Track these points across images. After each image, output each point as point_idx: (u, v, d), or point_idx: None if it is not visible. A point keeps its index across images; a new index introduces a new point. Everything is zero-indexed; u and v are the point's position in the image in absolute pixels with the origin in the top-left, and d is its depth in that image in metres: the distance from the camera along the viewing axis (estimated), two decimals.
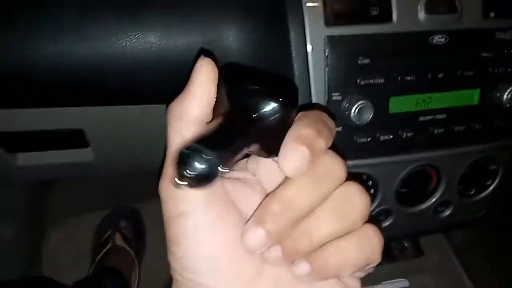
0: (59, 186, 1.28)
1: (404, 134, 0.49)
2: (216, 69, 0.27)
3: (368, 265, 0.29)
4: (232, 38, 0.43)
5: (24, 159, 0.59)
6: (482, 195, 0.60)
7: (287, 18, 0.43)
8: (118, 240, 1.12)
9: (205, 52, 0.30)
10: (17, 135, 0.55)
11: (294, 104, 0.29)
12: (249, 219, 0.28)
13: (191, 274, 0.28)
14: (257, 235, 0.26)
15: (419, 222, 0.59)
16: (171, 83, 0.45)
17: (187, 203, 0.27)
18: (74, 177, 1.03)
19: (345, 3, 0.44)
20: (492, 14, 0.48)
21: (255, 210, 0.28)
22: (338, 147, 0.30)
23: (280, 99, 0.27)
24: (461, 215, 0.60)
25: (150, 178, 1.25)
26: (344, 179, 0.28)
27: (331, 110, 0.45)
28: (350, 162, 0.49)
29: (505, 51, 0.49)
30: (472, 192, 0.60)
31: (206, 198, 0.27)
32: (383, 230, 0.29)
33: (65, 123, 0.53)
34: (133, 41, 0.42)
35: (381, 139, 0.48)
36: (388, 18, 0.45)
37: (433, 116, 0.50)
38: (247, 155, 0.31)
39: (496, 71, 0.50)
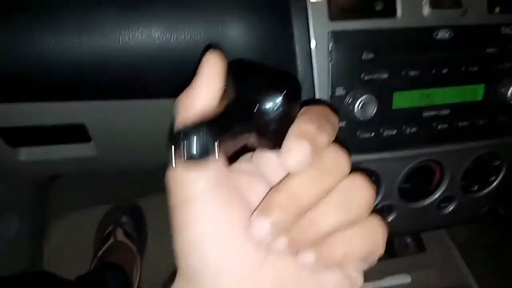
0: (61, 181, 1.28)
1: (408, 130, 0.49)
2: (224, 63, 0.28)
3: (372, 255, 0.29)
4: (235, 33, 0.43)
5: (27, 154, 0.59)
6: (486, 191, 0.60)
7: (291, 13, 0.43)
8: (120, 236, 1.13)
9: (214, 46, 0.31)
10: (19, 130, 0.55)
11: (296, 99, 0.29)
12: (255, 210, 0.28)
13: (196, 263, 0.28)
14: (263, 226, 0.26)
15: (422, 218, 0.59)
16: (174, 78, 0.45)
17: (194, 188, 0.27)
18: (77, 172, 1.03)
19: None
20: (497, 9, 0.47)
21: (261, 202, 0.28)
22: (342, 142, 0.30)
23: (283, 93, 0.28)
24: (464, 211, 0.60)
25: (152, 174, 1.26)
26: (348, 172, 0.29)
27: (334, 105, 0.45)
28: (353, 158, 0.48)
29: (510, 47, 0.49)
30: (475, 188, 0.59)
31: (213, 184, 0.28)
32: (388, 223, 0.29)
33: (67, 118, 0.53)
34: (136, 35, 0.42)
35: (384, 134, 0.48)
36: (393, 13, 0.45)
37: (437, 112, 0.49)
38: (252, 149, 0.32)
39: (500, 66, 0.50)
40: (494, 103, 0.51)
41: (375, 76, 0.45)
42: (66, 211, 1.24)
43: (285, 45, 0.44)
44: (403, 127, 0.49)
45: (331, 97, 0.45)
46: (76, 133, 0.56)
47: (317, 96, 0.45)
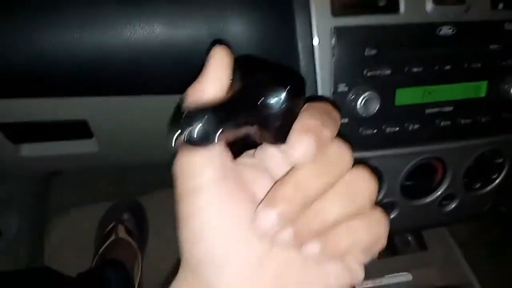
0: (62, 178, 1.29)
1: (410, 127, 0.49)
2: (230, 57, 0.29)
3: (374, 247, 0.30)
4: (237, 29, 0.43)
5: (29, 150, 0.59)
6: (488, 188, 0.60)
7: (293, 9, 0.43)
8: (121, 233, 1.13)
9: (220, 41, 0.31)
10: (21, 126, 0.55)
11: (300, 94, 0.30)
12: (261, 202, 0.28)
13: (201, 253, 0.28)
14: (269, 217, 0.27)
15: (424, 215, 0.58)
16: (176, 74, 0.45)
17: (201, 178, 0.28)
18: (78, 168, 1.03)
19: None
20: (500, 6, 0.47)
21: (266, 194, 0.29)
22: (344, 138, 0.31)
23: (288, 89, 0.28)
24: (466, 208, 0.60)
25: (153, 171, 1.26)
26: (352, 165, 0.30)
27: (336, 102, 0.45)
28: (355, 154, 0.48)
29: None
30: (477, 186, 0.59)
31: (220, 175, 0.28)
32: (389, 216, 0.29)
33: (69, 114, 0.53)
34: (138, 31, 0.42)
35: (387, 131, 0.48)
36: (396, 9, 0.45)
37: (439, 109, 0.49)
38: (254, 146, 0.32)
39: (504, 63, 0.49)
40: (497, 100, 0.51)
41: (378, 72, 0.45)
42: (67, 208, 1.24)
43: (287, 41, 0.44)
44: (406, 124, 0.49)
45: (333, 93, 0.45)
46: (78, 129, 0.56)
47: (319, 92, 0.45)
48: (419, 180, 0.55)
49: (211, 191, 0.28)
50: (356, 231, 0.29)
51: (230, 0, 0.43)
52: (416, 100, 0.48)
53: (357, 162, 0.31)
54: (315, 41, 0.43)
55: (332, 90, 0.45)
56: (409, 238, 1.05)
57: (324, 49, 0.44)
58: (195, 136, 0.25)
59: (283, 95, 0.28)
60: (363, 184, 0.29)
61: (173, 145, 0.26)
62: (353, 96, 0.45)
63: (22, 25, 0.41)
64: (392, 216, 0.57)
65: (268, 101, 0.28)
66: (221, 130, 0.26)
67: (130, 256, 1.10)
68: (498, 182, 0.60)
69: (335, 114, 0.31)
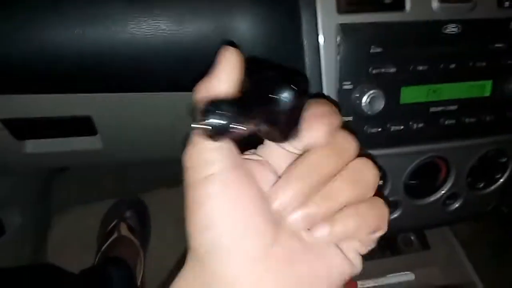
0: (65, 175, 1.29)
1: (415, 125, 0.49)
2: (240, 57, 0.30)
3: (377, 231, 0.32)
4: (243, 26, 0.43)
5: (33, 146, 0.59)
6: (492, 188, 0.60)
7: (299, 6, 0.43)
8: (124, 230, 1.13)
9: (229, 42, 0.32)
10: (26, 122, 0.55)
11: (306, 92, 0.32)
12: (275, 183, 0.30)
13: (209, 242, 0.29)
14: (286, 194, 0.29)
15: (427, 215, 0.58)
16: (181, 71, 0.45)
17: (213, 167, 0.29)
18: (82, 165, 1.04)
19: None
20: (506, 4, 0.47)
21: (282, 174, 0.31)
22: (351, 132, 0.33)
23: (295, 87, 0.30)
24: (469, 208, 0.59)
25: (155, 169, 1.26)
26: (357, 153, 0.32)
27: (336, 101, 0.45)
28: None
29: None
30: (481, 185, 0.59)
31: (232, 165, 0.29)
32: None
33: (74, 110, 0.53)
34: (143, 27, 0.42)
35: (391, 129, 0.48)
36: (401, 7, 0.45)
37: (444, 107, 0.49)
38: (254, 144, 0.34)
39: (509, 62, 0.49)
40: (502, 99, 0.51)
41: (383, 70, 0.45)
42: (70, 205, 1.24)
43: (293, 38, 0.44)
44: (410, 122, 0.49)
45: (338, 91, 0.45)
46: (82, 126, 0.56)
47: (325, 89, 0.45)
48: (423, 179, 0.55)
49: (223, 179, 0.29)
50: (363, 213, 0.31)
51: None
52: (420, 99, 0.48)
53: (360, 154, 0.32)
54: (321, 39, 0.43)
55: (337, 88, 0.45)
56: (412, 237, 1.05)
57: (330, 47, 0.44)
58: (216, 128, 0.26)
59: (292, 92, 0.29)
60: (367, 172, 0.31)
61: (195, 136, 0.28)
62: (358, 94, 0.45)
63: (28, 21, 0.41)
64: (395, 215, 0.56)
65: (278, 98, 0.29)
66: (235, 121, 0.27)
67: (133, 253, 1.10)
68: (502, 182, 0.59)
69: (337, 110, 0.33)
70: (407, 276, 0.99)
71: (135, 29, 0.42)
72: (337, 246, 0.32)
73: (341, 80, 0.45)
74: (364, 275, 0.97)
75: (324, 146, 0.30)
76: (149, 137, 0.61)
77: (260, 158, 0.33)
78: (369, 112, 0.45)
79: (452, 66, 0.47)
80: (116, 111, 0.55)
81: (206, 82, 0.29)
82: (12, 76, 0.44)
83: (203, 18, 0.42)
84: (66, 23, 0.41)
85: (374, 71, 0.45)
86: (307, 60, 0.44)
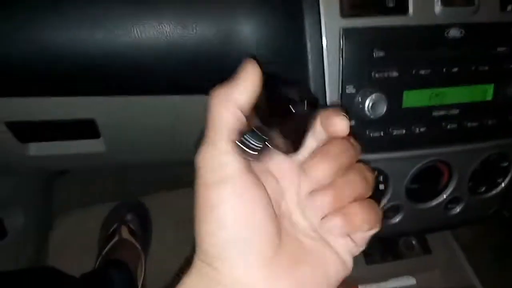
0: (67, 178, 1.29)
1: (417, 129, 0.49)
2: (260, 71, 0.31)
3: (373, 229, 0.34)
4: (247, 29, 0.43)
5: (36, 149, 0.59)
6: (493, 192, 0.60)
7: (302, 9, 0.43)
8: (125, 234, 1.13)
9: (251, 56, 0.34)
10: (29, 125, 0.55)
11: (316, 106, 0.34)
12: (309, 157, 0.33)
13: (221, 243, 0.30)
14: (321, 167, 0.31)
15: (429, 219, 0.58)
16: (185, 73, 0.45)
17: (227, 169, 0.30)
18: (85, 168, 1.04)
19: None
20: (509, 8, 0.47)
21: (315, 151, 0.33)
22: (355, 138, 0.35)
23: (309, 100, 0.32)
24: (471, 212, 0.59)
25: (156, 171, 1.25)
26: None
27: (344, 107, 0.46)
28: (362, 157, 0.49)
29: None
30: (483, 189, 0.59)
31: (245, 168, 0.31)
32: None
33: (77, 113, 0.53)
34: (147, 30, 0.42)
35: (394, 133, 0.48)
36: (404, 11, 0.45)
37: (446, 111, 0.49)
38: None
39: (511, 66, 0.49)
40: (504, 104, 0.51)
41: (386, 74, 0.45)
42: (71, 208, 1.24)
43: (296, 42, 0.44)
44: (413, 126, 0.49)
45: (341, 95, 0.45)
46: (85, 129, 0.56)
47: (328, 93, 0.45)
48: (425, 183, 0.55)
49: (236, 182, 0.30)
50: (368, 209, 0.33)
51: (240, 0, 0.43)
52: (423, 103, 0.48)
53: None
54: (324, 42, 0.44)
55: (340, 92, 0.45)
56: (413, 241, 1.05)
57: (333, 50, 0.44)
58: (256, 151, 0.30)
59: (305, 106, 0.32)
60: (367, 174, 0.34)
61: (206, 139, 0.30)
62: (361, 98, 0.45)
63: (28, 21, 0.41)
64: (397, 219, 0.57)
65: (294, 112, 0.31)
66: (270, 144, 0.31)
67: (134, 257, 1.10)
68: (504, 186, 0.59)
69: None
70: (408, 281, 0.99)
71: (139, 32, 0.42)
72: (333, 247, 0.34)
73: (344, 83, 0.45)
74: (365, 279, 0.97)
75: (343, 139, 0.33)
76: (151, 140, 0.61)
77: (263, 166, 0.34)
78: (371, 116, 0.45)
79: (455, 70, 0.47)
80: (119, 114, 0.55)
81: (227, 90, 0.31)
82: (12, 76, 0.44)
83: (207, 21, 0.42)
84: (76, 27, 0.41)
85: (377, 75, 0.45)
86: (310, 63, 0.44)
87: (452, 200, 0.58)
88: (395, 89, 0.46)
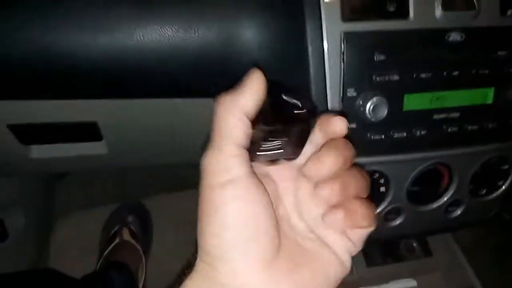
0: (68, 180, 1.29)
1: (418, 132, 0.49)
2: (264, 79, 0.32)
3: (367, 227, 0.35)
4: (249, 32, 0.43)
5: (38, 151, 0.60)
6: (494, 195, 0.60)
7: (304, 13, 0.43)
8: (126, 236, 1.13)
9: (256, 66, 0.35)
10: (31, 127, 0.55)
11: (316, 114, 0.36)
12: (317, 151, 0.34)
13: (224, 245, 0.31)
14: (333, 154, 0.33)
15: (429, 221, 0.59)
16: (187, 77, 0.46)
17: (231, 172, 0.31)
18: (87, 170, 1.04)
19: None
20: (509, 12, 0.47)
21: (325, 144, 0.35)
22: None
23: (308, 109, 0.35)
24: (472, 215, 0.60)
25: (158, 173, 1.25)
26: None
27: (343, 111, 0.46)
28: (363, 159, 0.49)
29: None
30: (483, 192, 0.59)
31: (250, 171, 0.32)
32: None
33: (80, 116, 0.53)
34: (150, 33, 0.42)
35: (394, 136, 0.48)
36: (405, 15, 0.45)
37: (447, 115, 0.50)
38: None
39: (511, 70, 0.49)
40: (504, 107, 0.51)
41: (387, 77, 0.46)
42: (72, 210, 1.24)
43: (298, 46, 0.44)
44: (413, 129, 0.49)
45: (342, 98, 0.46)
46: (87, 131, 0.57)
47: (329, 97, 0.45)
48: (426, 186, 0.55)
49: (240, 184, 0.31)
50: (366, 206, 0.34)
51: (241, 4, 0.43)
52: (424, 106, 0.48)
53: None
54: (325, 46, 0.44)
55: (341, 95, 0.45)
56: (414, 244, 1.05)
57: (334, 54, 0.44)
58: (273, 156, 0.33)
59: (307, 112, 0.34)
60: (364, 174, 0.35)
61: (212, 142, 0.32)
62: (362, 101, 0.46)
63: (32, 26, 0.41)
64: (398, 222, 0.57)
65: (295, 117, 0.33)
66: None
67: (135, 258, 1.10)
68: (504, 189, 0.60)
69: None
70: (409, 283, 0.99)
71: (141, 35, 0.42)
72: (331, 247, 0.35)
73: (345, 87, 0.45)
74: (366, 281, 0.97)
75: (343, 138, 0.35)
76: (153, 143, 0.61)
77: (261, 169, 0.36)
78: (372, 119, 0.46)
79: (455, 73, 0.48)
80: (122, 117, 0.55)
81: (233, 96, 0.32)
82: (14, 78, 0.44)
83: (209, 24, 0.43)
84: (79, 30, 0.41)
85: (377, 79, 0.45)
86: (312, 67, 0.44)
87: (453, 203, 0.58)
88: (396, 92, 0.47)
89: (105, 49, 0.42)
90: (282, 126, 0.33)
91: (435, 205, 0.57)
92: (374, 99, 0.45)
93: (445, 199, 0.57)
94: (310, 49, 0.44)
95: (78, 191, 1.29)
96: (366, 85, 0.46)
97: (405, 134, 0.49)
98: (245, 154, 0.32)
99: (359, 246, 0.36)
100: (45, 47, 0.42)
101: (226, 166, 0.31)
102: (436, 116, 0.49)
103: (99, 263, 1.08)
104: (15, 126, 0.55)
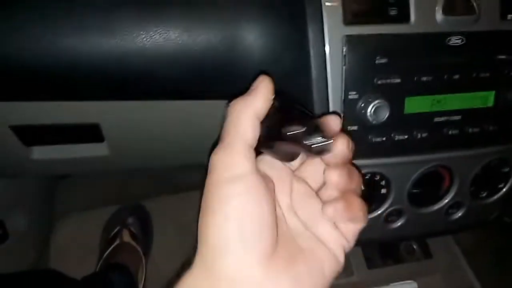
0: (69, 181, 1.29)
1: (419, 135, 0.49)
2: (272, 84, 0.35)
3: (359, 223, 0.37)
4: (251, 36, 0.43)
5: (40, 152, 0.60)
6: (495, 197, 0.60)
7: (306, 17, 0.44)
8: (126, 237, 1.13)
9: (264, 72, 0.36)
10: (34, 128, 0.55)
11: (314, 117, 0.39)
12: (334, 137, 0.35)
13: (222, 242, 0.31)
14: (343, 141, 0.34)
15: (430, 223, 0.59)
16: (189, 79, 0.46)
17: (239, 168, 0.33)
18: (88, 172, 1.04)
19: (364, 3, 0.44)
20: (509, 16, 0.48)
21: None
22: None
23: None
24: (472, 217, 0.60)
25: (158, 175, 1.25)
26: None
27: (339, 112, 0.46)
28: (364, 161, 0.49)
29: None
30: (484, 194, 0.59)
31: (254, 167, 0.33)
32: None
33: (82, 118, 0.53)
34: (153, 37, 0.42)
35: (396, 139, 0.49)
36: (406, 19, 0.45)
37: (447, 117, 0.50)
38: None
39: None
40: (505, 110, 0.51)
41: (388, 80, 0.46)
42: (72, 211, 1.24)
43: (300, 49, 0.44)
44: (414, 132, 0.49)
45: (344, 101, 0.46)
46: (89, 133, 0.57)
47: (331, 99, 0.46)
48: (426, 188, 0.56)
49: (247, 180, 0.32)
50: (361, 200, 0.36)
51: (244, 8, 0.43)
52: (425, 109, 0.48)
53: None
54: (327, 49, 0.44)
55: (343, 98, 0.46)
56: (414, 246, 1.06)
57: (336, 57, 0.44)
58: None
59: (307, 116, 0.36)
60: (358, 173, 0.38)
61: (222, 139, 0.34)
62: (363, 104, 0.46)
63: (40, 29, 0.41)
64: (399, 224, 0.57)
65: (298, 120, 0.34)
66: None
67: (135, 260, 1.10)
68: (505, 191, 0.60)
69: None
70: (410, 285, 0.99)
71: (145, 38, 0.42)
72: (326, 244, 0.36)
73: (346, 90, 0.45)
74: (366, 283, 0.97)
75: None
76: (155, 145, 0.61)
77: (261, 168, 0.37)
78: (374, 122, 0.46)
79: (456, 77, 0.48)
80: (124, 119, 0.55)
81: (246, 99, 0.34)
82: (15, 77, 0.45)
83: (212, 28, 0.43)
84: (83, 33, 0.42)
85: (379, 82, 0.46)
86: (314, 70, 0.45)
87: (454, 205, 0.58)
88: (397, 95, 0.47)
89: (108, 51, 0.42)
90: (284, 130, 0.34)
91: (435, 207, 0.57)
92: (376, 102, 0.45)
93: (446, 201, 0.57)
94: (312, 52, 0.44)
95: (79, 192, 1.29)
96: (368, 88, 0.46)
97: (406, 136, 0.49)
98: (253, 153, 0.33)
99: (352, 242, 0.38)
100: (47, 49, 0.42)
101: (234, 162, 0.33)
102: (437, 119, 0.49)
103: (99, 265, 1.08)
104: (17, 127, 0.55)
